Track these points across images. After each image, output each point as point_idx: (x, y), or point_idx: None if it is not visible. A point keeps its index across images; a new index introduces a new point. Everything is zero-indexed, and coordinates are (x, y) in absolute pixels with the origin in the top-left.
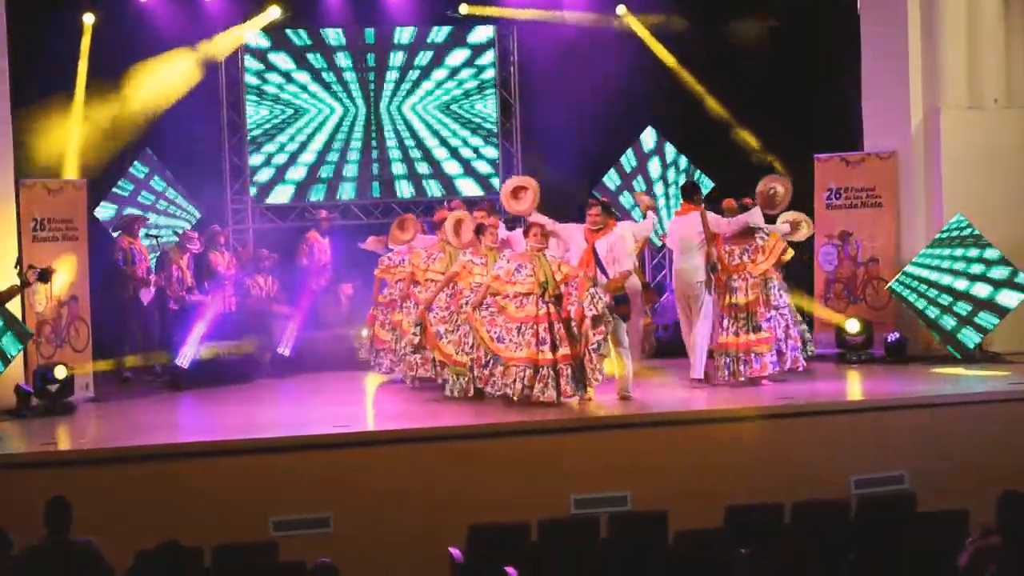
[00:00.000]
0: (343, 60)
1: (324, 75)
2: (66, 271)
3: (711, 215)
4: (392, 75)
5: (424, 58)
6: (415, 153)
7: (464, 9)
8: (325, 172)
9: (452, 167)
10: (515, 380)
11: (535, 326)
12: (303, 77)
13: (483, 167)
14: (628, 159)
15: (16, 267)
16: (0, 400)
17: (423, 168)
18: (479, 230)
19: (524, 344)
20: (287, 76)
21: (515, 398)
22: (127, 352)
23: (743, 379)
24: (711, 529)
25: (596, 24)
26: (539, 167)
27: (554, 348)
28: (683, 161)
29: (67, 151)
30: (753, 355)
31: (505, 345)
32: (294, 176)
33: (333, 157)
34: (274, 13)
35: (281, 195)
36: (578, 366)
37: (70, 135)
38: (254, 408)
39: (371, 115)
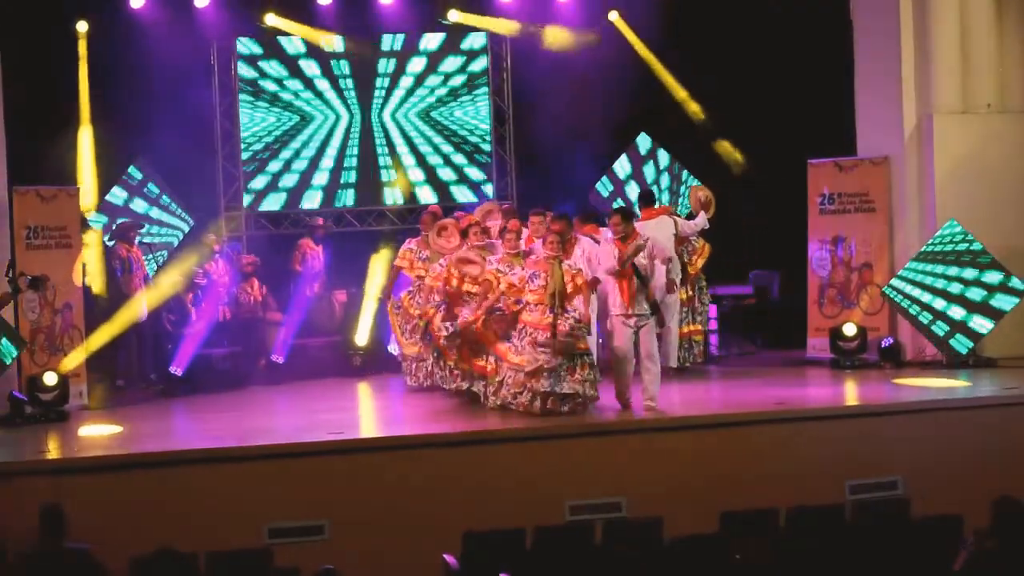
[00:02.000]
0: (336, 67)
1: (317, 82)
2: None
3: (680, 220)
4: (385, 82)
5: (417, 65)
6: (409, 160)
7: (454, 16)
8: (319, 179)
9: (446, 174)
10: (507, 386)
11: (534, 332)
12: (296, 84)
13: (477, 174)
14: (622, 165)
15: (8, 275)
16: None
17: (417, 175)
18: (464, 233)
19: (521, 350)
20: (280, 83)
21: (502, 404)
22: (121, 362)
23: (689, 364)
24: (706, 535)
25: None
26: (532, 173)
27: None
28: (676, 167)
29: (78, 157)
30: (693, 343)
31: (507, 346)
32: (288, 183)
33: (327, 164)
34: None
35: (275, 203)
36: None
37: (79, 141)
38: (248, 415)
39: (365, 122)
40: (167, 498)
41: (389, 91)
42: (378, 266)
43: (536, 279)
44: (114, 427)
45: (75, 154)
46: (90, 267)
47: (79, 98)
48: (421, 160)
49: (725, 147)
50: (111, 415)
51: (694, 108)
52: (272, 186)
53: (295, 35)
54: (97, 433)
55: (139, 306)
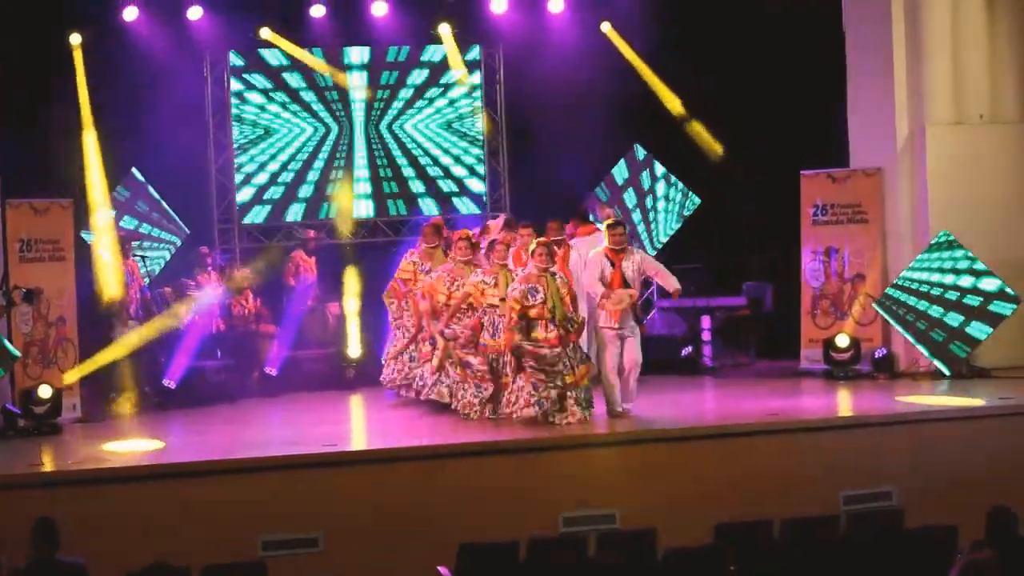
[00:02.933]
0: (325, 80)
1: (310, 94)
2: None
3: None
4: (379, 94)
5: (410, 78)
6: (404, 172)
7: (445, 30)
8: (311, 191)
9: (440, 185)
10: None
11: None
12: (289, 96)
13: (472, 185)
14: (619, 173)
15: (1, 288)
16: None
17: (412, 187)
18: (489, 246)
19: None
20: (273, 96)
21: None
22: (114, 374)
23: None
24: (700, 546)
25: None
26: (527, 185)
27: (571, 370)
28: (671, 178)
29: (86, 162)
30: None
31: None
32: (280, 196)
33: (319, 176)
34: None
35: (267, 215)
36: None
37: (84, 147)
38: (241, 428)
39: (359, 134)
40: (161, 511)
41: (384, 103)
42: (352, 279)
43: (536, 294)
44: (156, 442)
45: (69, 165)
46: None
47: (79, 107)
48: (416, 172)
49: (699, 132)
50: (107, 428)
51: (683, 112)
52: (265, 198)
53: (288, 51)
54: (137, 448)
55: (141, 334)
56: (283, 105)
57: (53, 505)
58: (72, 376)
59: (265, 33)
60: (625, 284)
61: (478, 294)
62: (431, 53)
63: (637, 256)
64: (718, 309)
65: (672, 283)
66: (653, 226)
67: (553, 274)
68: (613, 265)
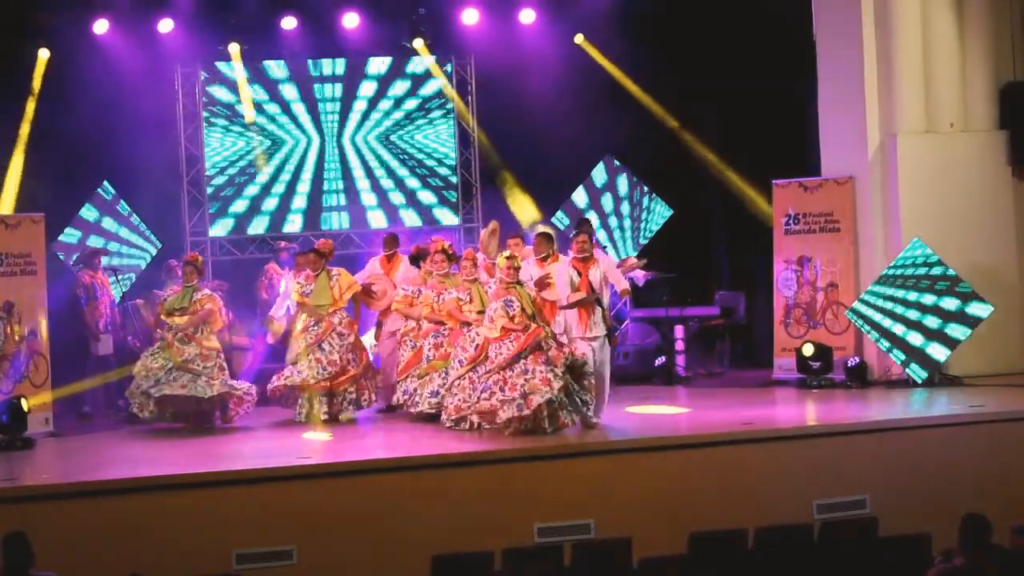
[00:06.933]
0: (299, 91)
1: (282, 106)
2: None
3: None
4: (350, 106)
5: (382, 89)
6: (376, 184)
7: (418, 44)
8: (284, 203)
9: (412, 197)
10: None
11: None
12: (261, 109)
13: (442, 197)
14: (586, 188)
15: None
16: None
17: (383, 199)
18: (420, 256)
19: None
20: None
21: (508, 431)
22: (87, 388)
23: None
24: (675, 555)
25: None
26: (498, 196)
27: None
28: (643, 188)
29: (5, 184)
30: None
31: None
32: (253, 208)
33: (292, 188)
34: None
35: (240, 227)
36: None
37: (12, 165)
38: (215, 441)
39: (329, 146)
40: (134, 525)
41: (355, 115)
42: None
43: (512, 305)
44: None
45: (40, 178)
46: None
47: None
48: (386, 183)
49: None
50: (77, 442)
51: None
52: (237, 210)
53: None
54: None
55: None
56: (260, 117)
57: (26, 520)
58: (41, 398)
59: (233, 48)
60: (592, 292)
61: (456, 311)
62: (404, 64)
63: (603, 264)
64: (691, 319)
65: (621, 284)
66: (625, 236)
67: (521, 283)
68: (580, 274)
